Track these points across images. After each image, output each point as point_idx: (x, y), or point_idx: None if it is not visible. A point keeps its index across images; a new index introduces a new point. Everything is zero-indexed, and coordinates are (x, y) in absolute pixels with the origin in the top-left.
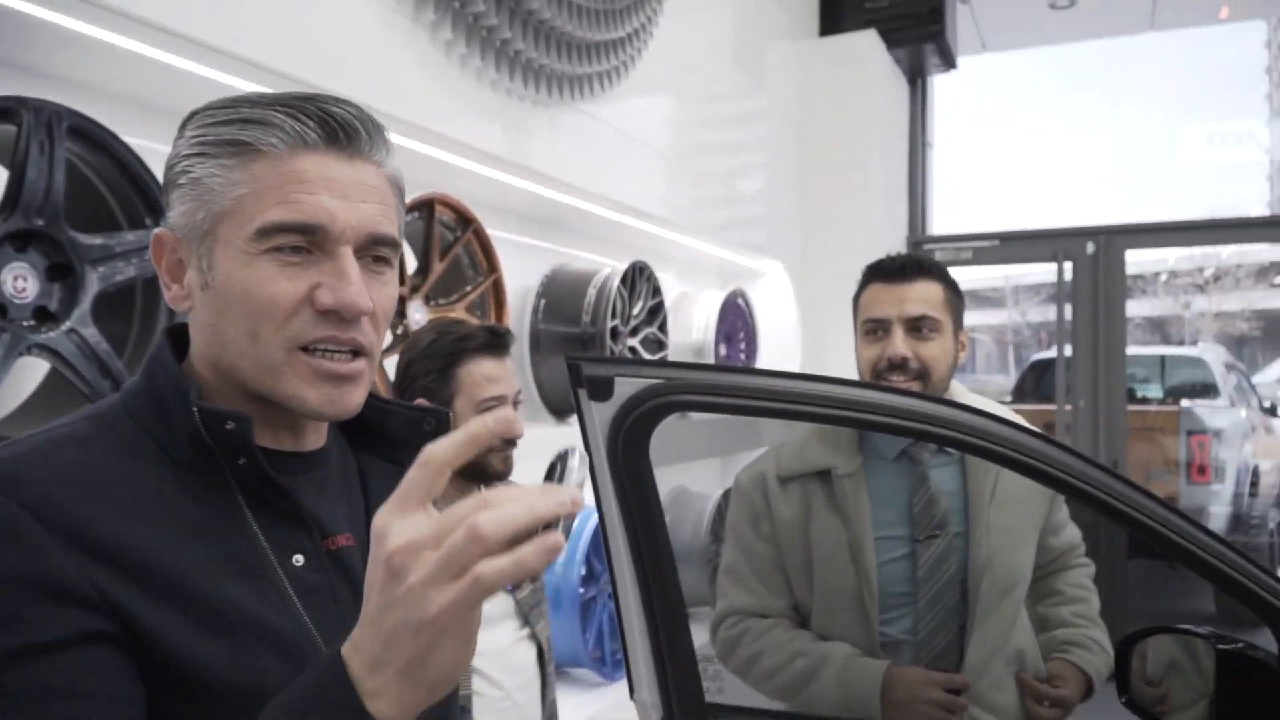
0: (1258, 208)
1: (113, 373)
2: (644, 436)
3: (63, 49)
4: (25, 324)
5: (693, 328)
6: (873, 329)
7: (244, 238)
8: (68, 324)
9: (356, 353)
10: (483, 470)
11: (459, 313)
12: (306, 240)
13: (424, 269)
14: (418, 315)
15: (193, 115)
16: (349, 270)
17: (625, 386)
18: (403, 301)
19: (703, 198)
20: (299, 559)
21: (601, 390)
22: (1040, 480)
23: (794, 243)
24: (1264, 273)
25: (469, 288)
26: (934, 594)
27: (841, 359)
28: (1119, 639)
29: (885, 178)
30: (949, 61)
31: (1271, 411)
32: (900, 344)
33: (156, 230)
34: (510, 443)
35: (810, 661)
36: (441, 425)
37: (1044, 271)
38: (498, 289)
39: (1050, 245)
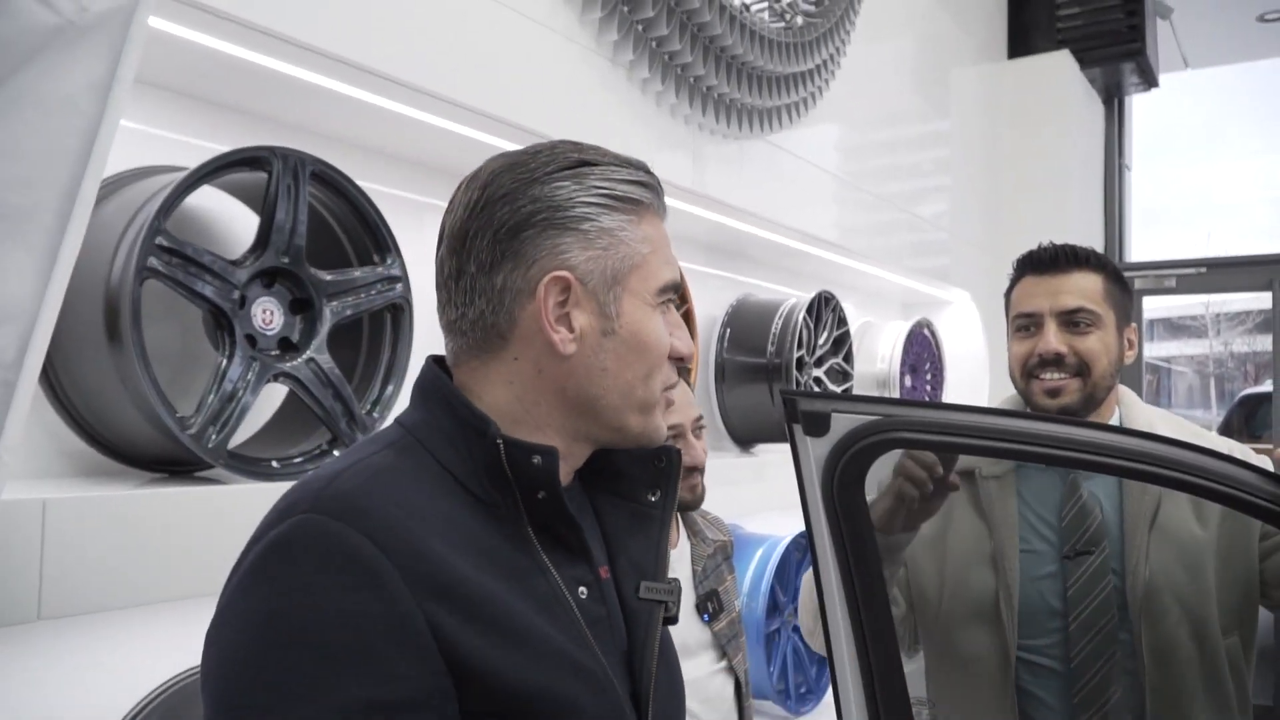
0: None
1: (343, 397)
2: (860, 473)
3: (298, 99)
4: (272, 353)
5: (877, 358)
6: (1024, 324)
7: (650, 291)
8: (307, 353)
9: None
10: None
11: None
12: (672, 298)
13: None
14: None
15: (581, 165)
16: (683, 323)
17: (841, 423)
18: None
19: (885, 225)
20: (583, 591)
21: (817, 426)
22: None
23: (982, 271)
24: None
25: None
26: (1087, 617)
27: None
28: None
29: (1080, 202)
30: (1149, 80)
31: None
32: (1053, 338)
33: (559, 272)
34: (694, 469)
35: None
36: (672, 462)
37: (1247, 298)
38: (689, 320)
39: (1264, 272)
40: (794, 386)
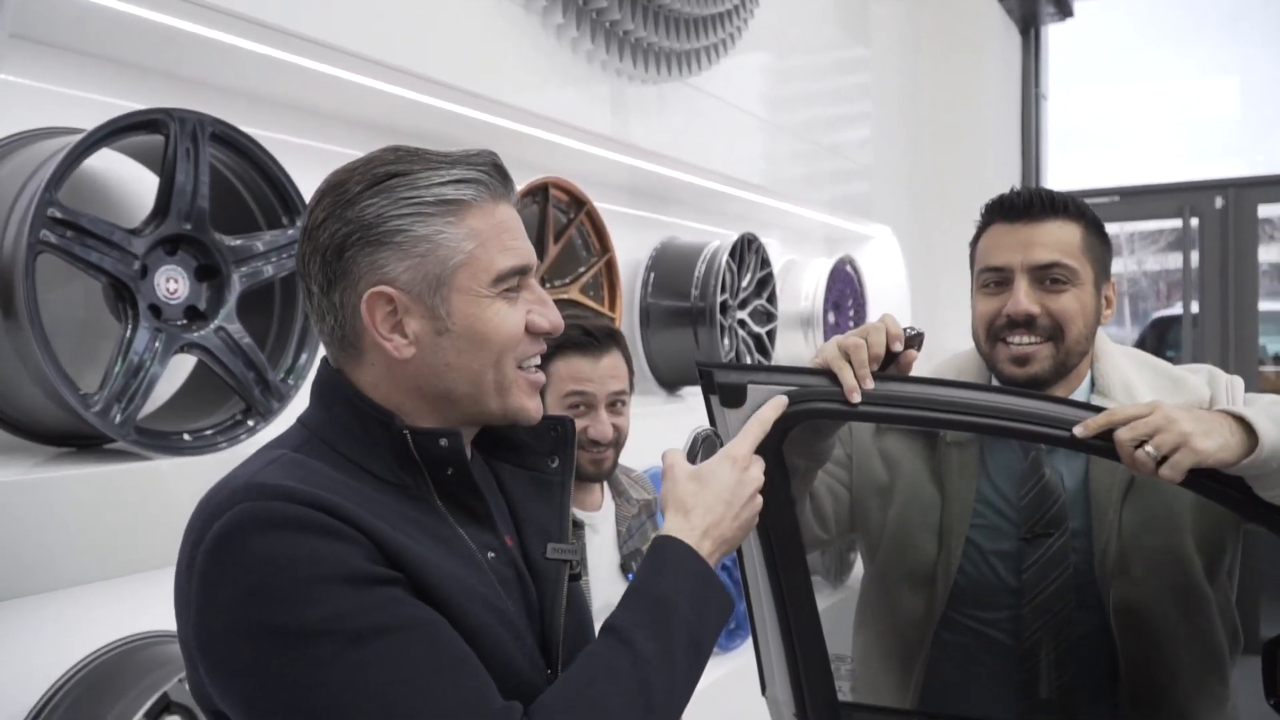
0: None
1: (256, 365)
2: (777, 443)
3: (203, 56)
4: (178, 324)
5: (800, 296)
6: (991, 280)
7: (483, 284)
8: (216, 322)
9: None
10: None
11: (574, 293)
12: (520, 279)
13: (539, 252)
14: None
15: (390, 178)
16: (547, 297)
17: (758, 394)
18: None
19: (807, 165)
20: (491, 555)
21: (734, 398)
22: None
23: (902, 206)
24: None
25: (583, 269)
26: (1043, 601)
27: (952, 326)
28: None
29: (996, 134)
30: (1064, 10)
31: None
32: (1024, 297)
33: (377, 288)
34: (597, 443)
35: None
36: (567, 431)
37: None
38: (610, 269)
39: (1175, 200)
40: (717, 329)
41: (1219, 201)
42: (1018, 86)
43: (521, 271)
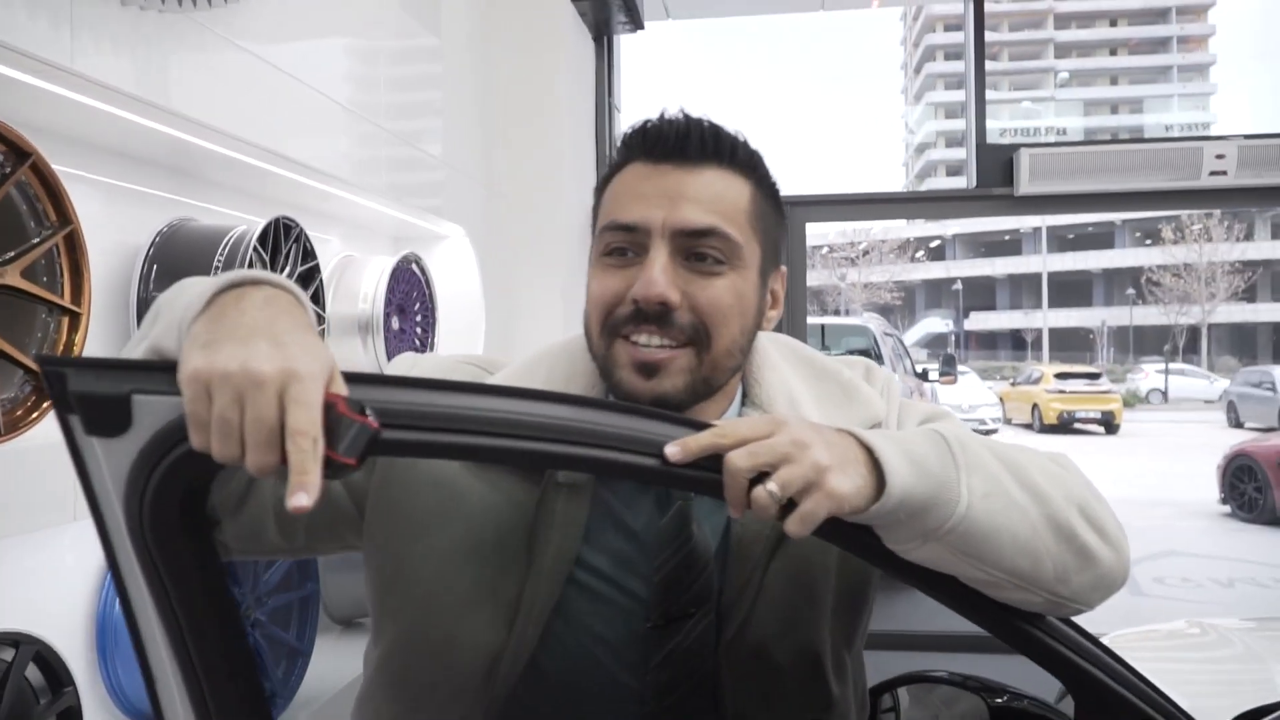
0: (897, 186)
1: None
2: (186, 493)
3: None
4: None
5: (359, 297)
6: (619, 244)
7: None
8: None
9: None
10: None
11: (12, 277)
12: None
13: None
14: None
15: None
16: None
17: (152, 410)
18: None
19: (371, 148)
20: None
21: (108, 417)
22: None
23: (477, 206)
24: (904, 248)
25: (36, 241)
26: (674, 704)
27: (526, 336)
28: (871, 686)
29: (573, 142)
30: (636, 22)
31: (923, 376)
32: (660, 274)
33: None
34: None
35: None
36: None
37: None
38: (73, 247)
39: None
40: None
41: None
42: (592, 95)
43: None
